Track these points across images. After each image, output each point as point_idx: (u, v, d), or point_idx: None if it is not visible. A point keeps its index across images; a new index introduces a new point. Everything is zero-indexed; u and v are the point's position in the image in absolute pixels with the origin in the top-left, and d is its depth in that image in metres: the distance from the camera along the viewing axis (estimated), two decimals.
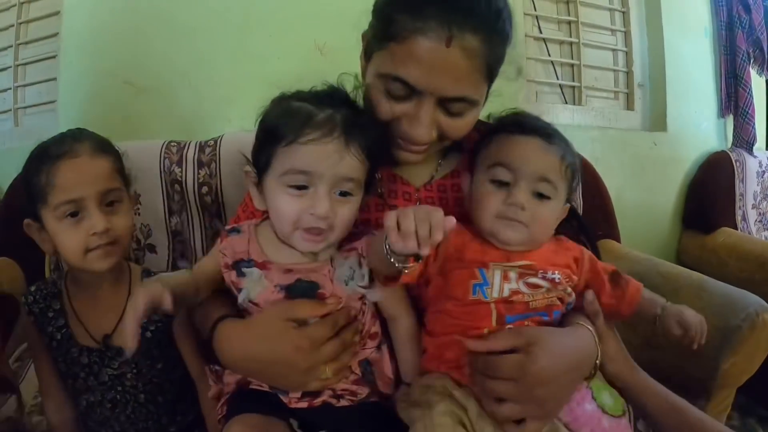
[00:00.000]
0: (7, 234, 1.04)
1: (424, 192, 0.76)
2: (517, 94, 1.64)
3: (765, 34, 1.96)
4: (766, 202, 1.88)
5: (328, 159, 0.56)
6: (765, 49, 1.97)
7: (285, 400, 0.63)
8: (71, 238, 0.67)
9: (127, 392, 0.75)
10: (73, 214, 0.67)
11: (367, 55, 0.67)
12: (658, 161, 1.79)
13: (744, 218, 1.79)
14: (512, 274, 0.64)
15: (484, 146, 0.69)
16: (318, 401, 0.63)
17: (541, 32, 1.77)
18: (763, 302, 0.98)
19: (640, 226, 1.73)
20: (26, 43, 1.58)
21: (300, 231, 0.59)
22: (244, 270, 0.62)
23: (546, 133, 0.66)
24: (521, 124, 0.68)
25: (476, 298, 0.63)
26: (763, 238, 1.83)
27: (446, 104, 0.63)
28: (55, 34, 1.47)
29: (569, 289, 0.68)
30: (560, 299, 0.67)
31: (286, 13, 1.41)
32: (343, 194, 0.59)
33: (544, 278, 0.65)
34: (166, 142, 1.18)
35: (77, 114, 1.40)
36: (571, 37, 1.81)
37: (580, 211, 1.37)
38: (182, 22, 1.38)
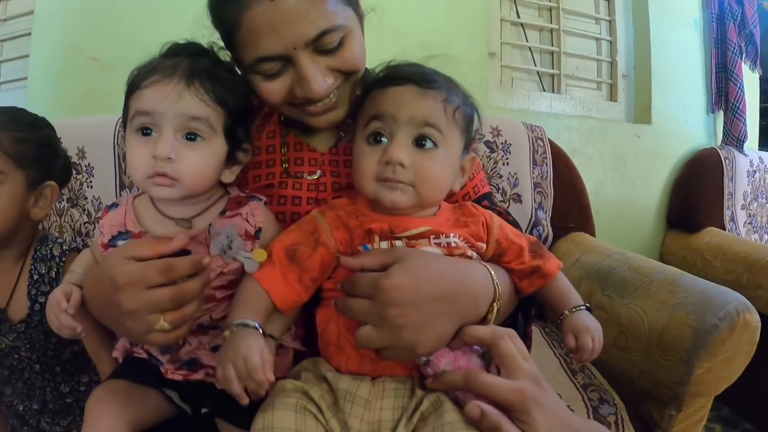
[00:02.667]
0: None
1: (329, 156, 0.71)
2: (489, 77, 1.56)
3: (758, 27, 1.90)
4: (756, 204, 1.78)
5: (167, 98, 0.55)
6: (758, 43, 1.89)
7: (162, 370, 0.61)
8: None
9: (23, 361, 0.77)
10: None
11: (238, 65, 0.64)
12: (641, 155, 1.72)
13: (733, 219, 1.69)
14: (399, 244, 0.56)
15: (359, 106, 0.61)
16: (196, 376, 0.60)
17: (518, 17, 1.68)
18: (745, 301, 0.87)
19: (621, 223, 1.67)
20: (4, 20, 1.57)
21: (150, 179, 0.56)
22: (120, 243, 0.59)
23: (423, 79, 0.57)
24: (394, 75, 0.59)
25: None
26: (753, 241, 1.73)
27: (318, 47, 0.58)
28: (31, 12, 1.47)
29: (471, 253, 0.58)
30: None
31: None
32: (191, 138, 0.56)
33: (438, 245, 0.56)
34: (121, 117, 1.15)
35: (45, 89, 1.42)
36: (551, 23, 1.73)
37: (551, 201, 1.28)
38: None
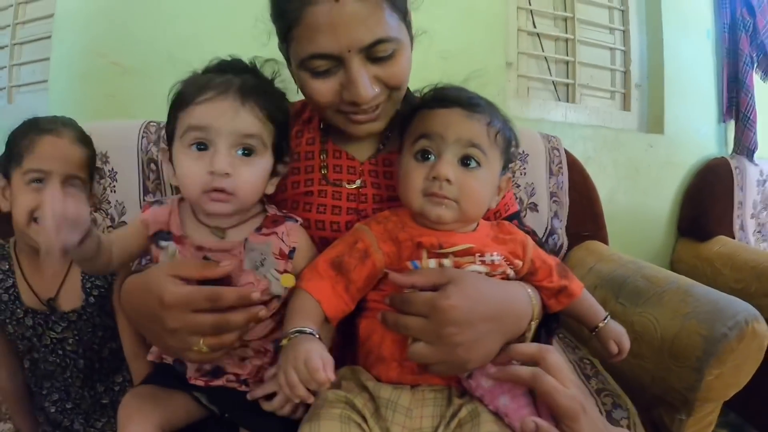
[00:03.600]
0: None
1: (369, 165, 0.73)
2: (506, 87, 1.59)
3: None
4: (766, 212, 1.81)
5: (223, 114, 0.56)
6: None
7: (186, 375, 0.63)
8: (25, 202, 0.73)
9: (67, 356, 0.80)
10: (37, 181, 0.73)
11: (288, 59, 0.66)
12: (653, 164, 1.74)
13: (742, 227, 1.72)
14: (446, 262, 0.59)
15: (407, 124, 0.65)
16: (218, 382, 0.62)
17: (535, 27, 1.71)
18: (754, 310, 0.91)
19: (633, 231, 1.69)
20: (23, 23, 1.60)
21: (206, 194, 0.57)
22: (162, 243, 0.61)
23: (468, 102, 0.61)
24: (442, 97, 0.63)
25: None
26: (763, 250, 1.75)
27: (371, 54, 0.60)
28: (51, 15, 1.49)
29: (509, 271, 0.63)
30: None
31: None
32: (246, 154, 0.58)
33: (482, 263, 0.60)
34: (145, 122, 1.19)
35: (66, 93, 1.44)
36: (566, 33, 1.76)
37: (566, 210, 1.32)
38: (168, 5, 1.41)
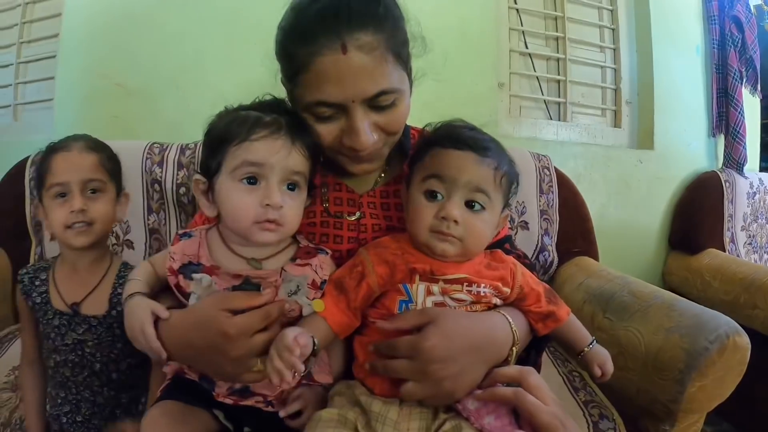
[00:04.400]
0: None
1: (368, 198, 0.78)
2: (499, 107, 1.64)
3: (758, 53, 1.95)
4: (756, 224, 1.84)
5: (277, 153, 0.61)
6: (758, 68, 1.95)
7: (214, 393, 0.66)
8: (57, 215, 0.81)
9: (85, 357, 0.84)
10: (62, 195, 0.81)
11: (291, 97, 0.69)
12: (643, 179, 1.77)
13: (733, 240, 1.75)
14: (435, 288, 0.64)
15: (418, 158, 0.69)
16: (246, 402, 0.65)
17: (527, 47, 1.76)
18: (735, 324, 0.94)
19: (624, 246, 1.71)
20: (28, 42, 1.65)
21: (258, 225, 0.62)
22: (194, 275, 0.65)
23: (480, 146, 0.65)
24: (455, 138, 0.67)
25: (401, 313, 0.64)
26: (753, 261, 1.78)
27: (373, 104, 0.64)
28: (56, 35, 1.54)
29: (496, 300, 0.67)
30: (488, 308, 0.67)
31: (272, 22, 1.43)
32: (291, 188, 0.64)
33: (469, 293, 0.65)
34: (149, 143, 1.24)
35: (72, 112, 1.47)
36: (558, 53, 1.80)
37: (556, 227, 1.35)
38: (172, 28, 1.45)
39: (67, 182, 0.80)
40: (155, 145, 1.24)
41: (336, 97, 0.62)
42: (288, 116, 0.65)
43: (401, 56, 0.65)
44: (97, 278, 0.85)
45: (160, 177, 1.20)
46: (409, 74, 0.69)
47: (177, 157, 1.23)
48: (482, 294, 0.65)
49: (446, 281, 0.64)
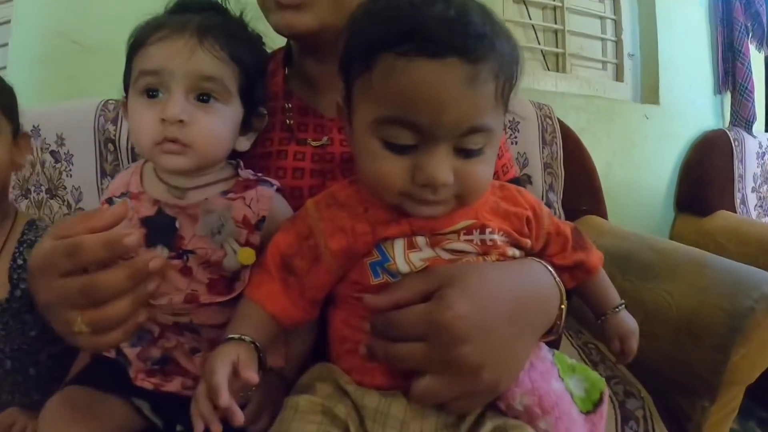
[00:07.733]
0: None
1: (339, 122, 0.61)
2: None
3: (765, 7, 1.85)
4: (767, 186, 1.74)
5: (177, 55, 0.49)
6: (765, 23, 1.84)
7: (131, 374, 0.55)
8: None
9: None
10: None
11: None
12: (649, 137, 1.66)
13: (743, 202, 1.65)
14: (420, 240, 0.44)
15: (357, 70, 0.41)
16: (170, 387, 0.54)
17: None
18: None
19: (630, 207, 1.61)
20: None
21: (158, 146, 0.50)
22: (114, 199, 0.54)
23: (470, 43, 0.38)
24: (423, 32, 0.38)
25: (381, 280, 0.44)
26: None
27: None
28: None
29: (513, 251, 0.48)
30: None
31: None
32: (204, 99, 0.51)
33: (469, 241, 0.45)
34: (103, 101, 1.13)
35: (25, 77, 1.34)
36: (555, 1, 1.66)
37: (561, 182, 1.21)
38: None
39: None
40: (110, 101, 1.12)
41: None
42: (210, 13, 0.54)
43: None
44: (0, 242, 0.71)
45: (114, 135, 1.08)
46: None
47: None
48: (490, 242, 0.45)
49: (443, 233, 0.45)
